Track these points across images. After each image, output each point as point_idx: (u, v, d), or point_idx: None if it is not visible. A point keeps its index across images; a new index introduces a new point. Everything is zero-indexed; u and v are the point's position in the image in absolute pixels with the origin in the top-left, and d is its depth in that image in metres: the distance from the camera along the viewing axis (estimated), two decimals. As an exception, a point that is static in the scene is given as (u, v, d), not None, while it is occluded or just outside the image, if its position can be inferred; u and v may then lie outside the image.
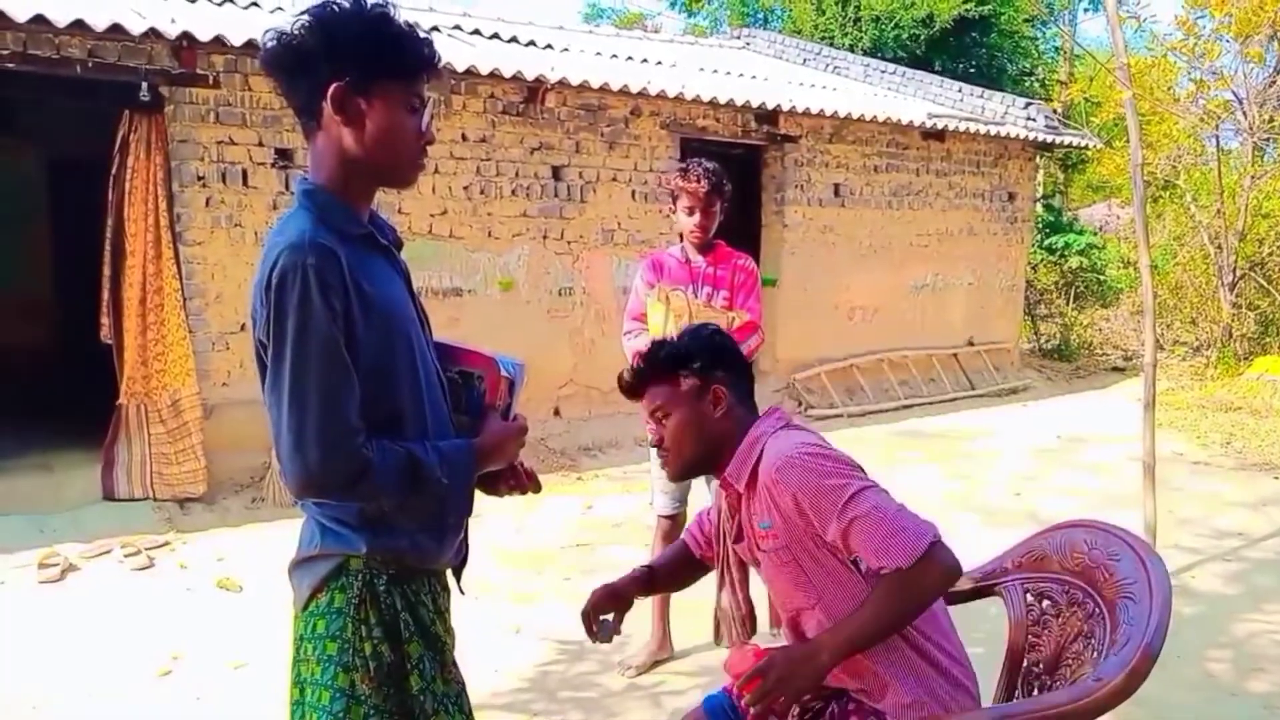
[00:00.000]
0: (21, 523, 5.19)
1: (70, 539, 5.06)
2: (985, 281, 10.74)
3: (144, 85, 5.45)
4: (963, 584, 1.93)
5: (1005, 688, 1.82)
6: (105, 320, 5.79)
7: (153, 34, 5.30)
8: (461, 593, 1.83)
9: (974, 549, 5.18)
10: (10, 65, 5.19)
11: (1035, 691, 1.73)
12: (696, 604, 4.25)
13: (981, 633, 3.75)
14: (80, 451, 5.85)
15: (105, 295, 5.80)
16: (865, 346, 9.53)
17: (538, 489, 1.86)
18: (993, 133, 10.13)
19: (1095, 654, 1.59)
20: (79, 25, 5.03)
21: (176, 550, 5.10)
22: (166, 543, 5.16)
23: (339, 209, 1.58)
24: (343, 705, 1.57)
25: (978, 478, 6.89)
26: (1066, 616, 1.73)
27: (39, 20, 4.93)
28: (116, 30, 5.15)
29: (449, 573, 1.82)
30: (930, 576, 1.68)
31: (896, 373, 9.66)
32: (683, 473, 2.00)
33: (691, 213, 3.59)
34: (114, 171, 5.77)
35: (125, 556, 4.91)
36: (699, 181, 3.57)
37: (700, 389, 1.94)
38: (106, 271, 5.80)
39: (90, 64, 5.38)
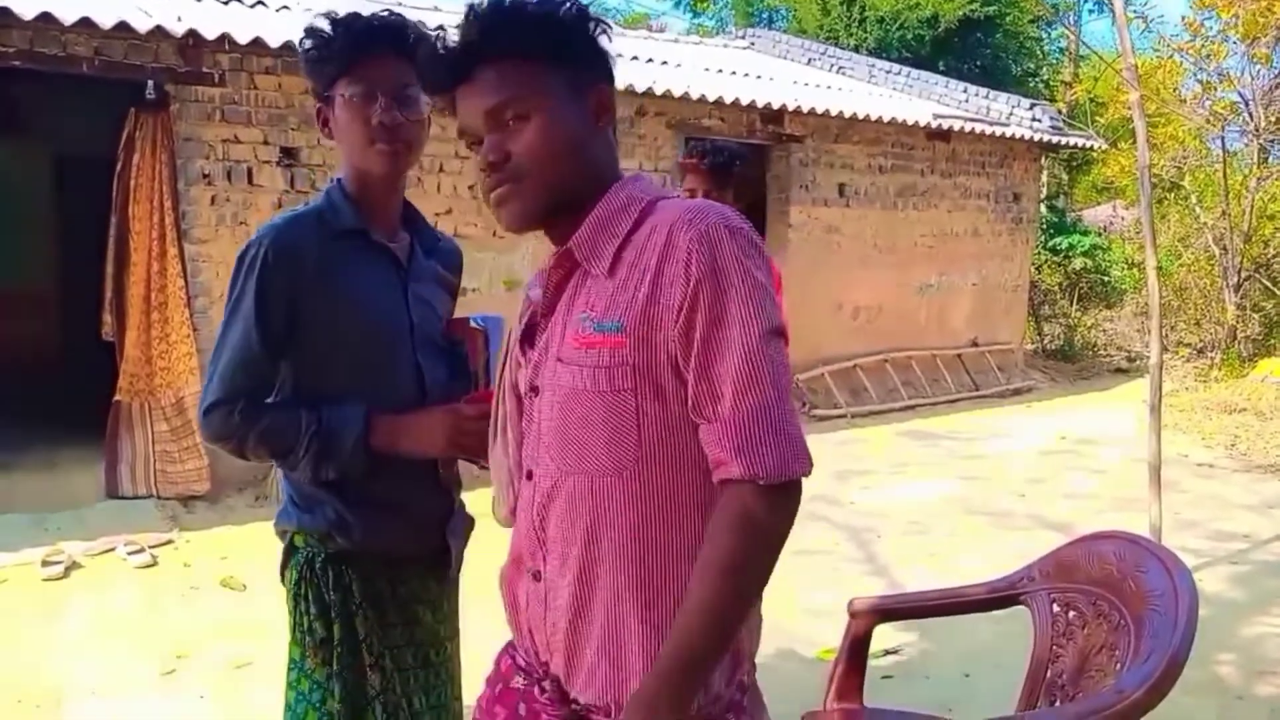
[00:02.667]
0: (25, 520, 5.17)
1: (74, 537, 5.04)
2: (990, 282, 10.72)
3: (150, 83, 5.43)
4: (990, 592, 1.91)
5: (1027, 697, 1.80)
6: (107, 318, 5.78)
7: (159, 32, 5.28)
8: (448, 579, 1.81)
9: (980, 551, 5.21)
10: (17, 63, 5.17)
11: (1057, 702, 1.72)
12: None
13: (1007, 642, 3.74)
14: (84, 449, 5.83)
15: (108, 293, 5.79)
16: (869, 347, 9.51)
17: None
18: (998, 133, 10.11)
19: (1119, 665, 1.57)
20: (85, 23, 5.01)
21: (180, 548, 5.09)
22: (170, 541, 5.15)
23: (340, 205, 1.68)
24: (294, 675, 1.70)
25: (982, 480, 6.87)
26: (1092, 628, 1.71)
27: (45, 18, 4.92)
28: (123, 28, 5.14)
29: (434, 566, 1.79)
30: (782, 522, 1.14)
31: (900, 373, 9.64)
32: (539, 210, 1.24)
33: (694, 196, 2.96)
34: (119, 169, 5.76)
35: (129, 554, 4.89)
36: (702, 157, 3.16)
37: (577, 84, 1.23)
38: (109, 269, 5.79)
39: (97, 62, 5.36)
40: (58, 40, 5.21)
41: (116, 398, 5.71)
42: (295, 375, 1.67)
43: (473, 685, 2.09)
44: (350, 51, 1.59)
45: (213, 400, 1.62)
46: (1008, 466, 7.26)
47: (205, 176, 5.84)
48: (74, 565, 4.73)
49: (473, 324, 1.75)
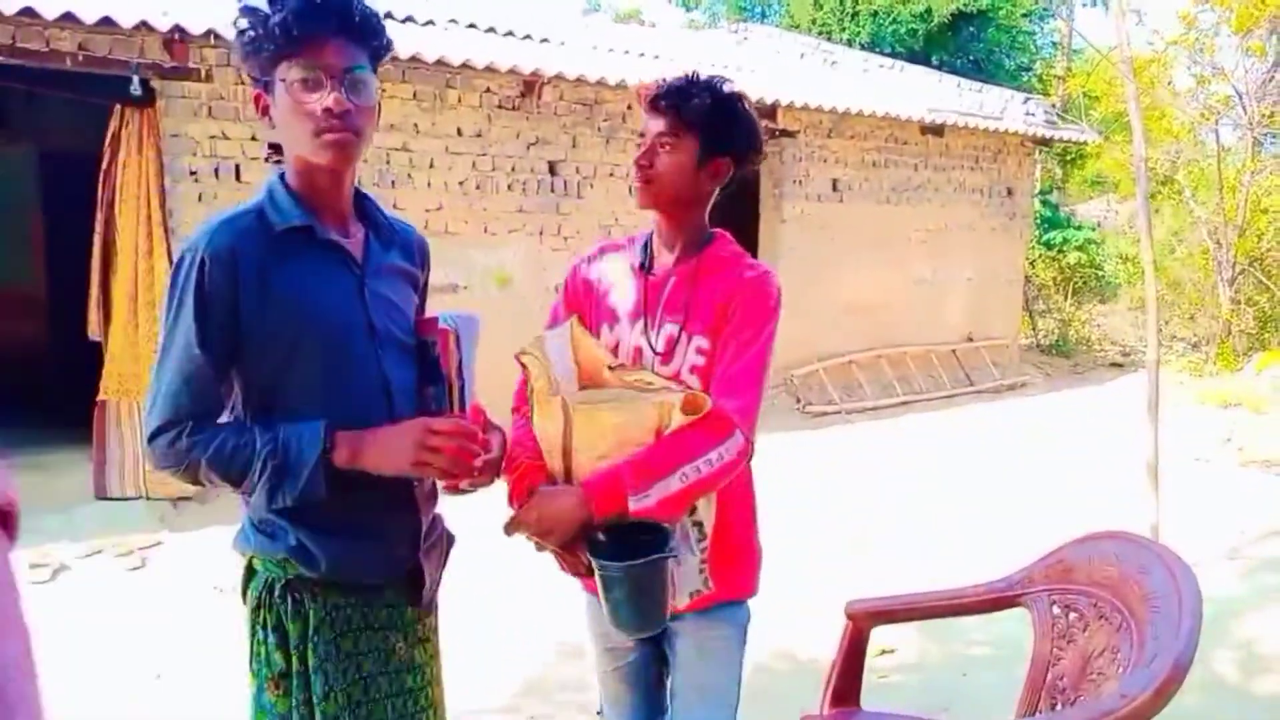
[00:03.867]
0: (12, 522, 5.11)
1: (62, 539, 4.98)
2: (984, 277, 10.69)
3: (135, 79, 5.36)
4: (990, 594, 1.87)
5: (1027, 701, 1.76)
6: (94, 316, 5.72)
7: (144, 27, 5.22)
8: (424, 610, 1.69)
9: (977, 548, 5.18)
10: (0, 59, 5.10)
11: (1058, 706, 1.68)
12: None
13: (1004, 641, 3.71)
14: (73, 450, 5.77)
15: (94, 291, 5.73)
16: (864, 343, 9.48)
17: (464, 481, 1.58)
18: (992, 128, 10.08)
19: (1120, 669, 1.53)
20: (68, 17, 4.95)
21: (170, 550, 5.03)
22: (159, 542, 5.10)
23: (282, 201, 1.55)
24: (253, 710, 1.60)
25: (978, 476, 6.84)
26: (1094, 630, 1.67)
27: (28, 12, 4.85)
28: (107, 23, 5.07)
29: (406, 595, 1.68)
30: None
31: (895, 369, 9.62)
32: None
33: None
34: (105, 167, 5.69)
35: (118, 556, 4.84)
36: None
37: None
38: (96, 267, 5.72)
39: (80, 57, 5.29)
40: (40, 35, 5.14)
41: (102, 397, 5.65)
42: (247, 390, 1.55)
43: (459, 706, 2.04)
44: (291, 32, 1.44)
45: (157, 425, 1.50)
46: (1004, 462, 7.24)
47: (192, 174, 5.78)
48: (62, 569, 4.68)
49: (443, 324, 1.64)
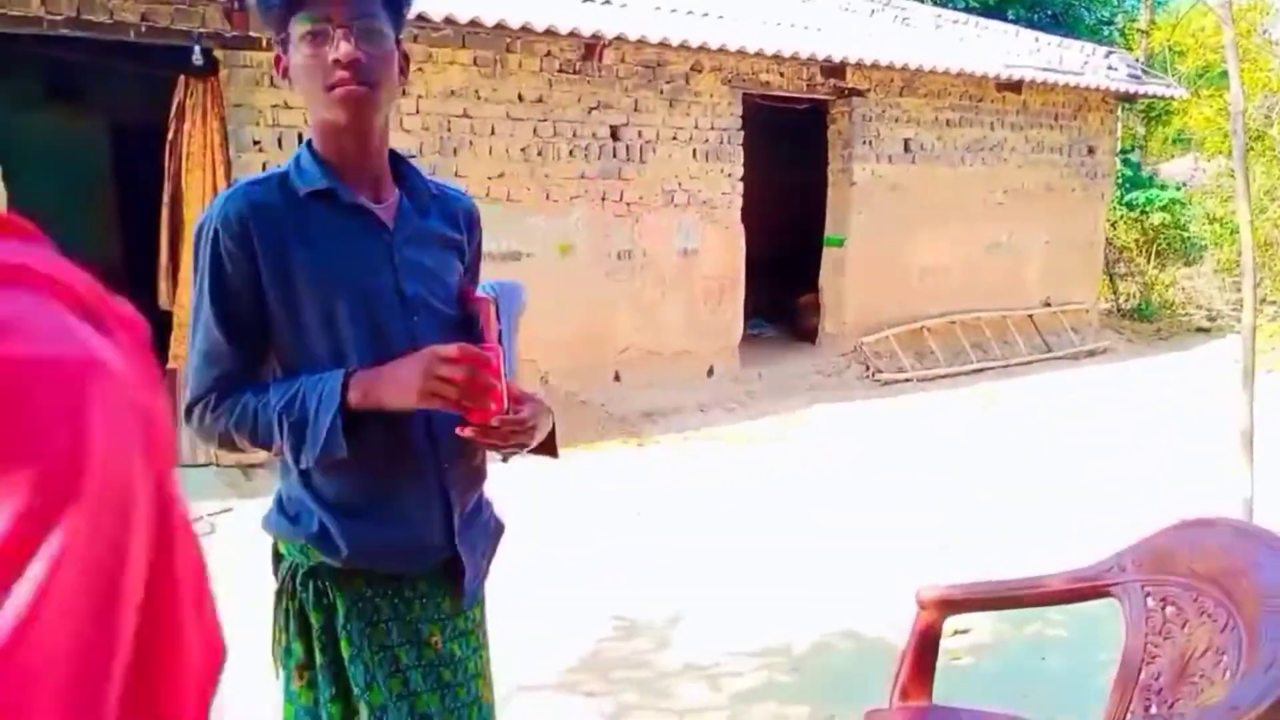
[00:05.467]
0: (87, 489, 5.22)
1: (134, 506, 5.07)
2: (1062, 240, 10.29)
3: (196, 49, 5.37)
4: (1075, 582, 1.73)
5: (1120, 700, 1.62)
6: (164, 286, 5.79)
7: (204, -5, 5.21)
8: (464, 606, 1.59)
9: (1056, 524, 4.98)
10: (65, 31, 5.14)
11: (1152, 708, 1.54)
12: (761, 583, 4.11)
13: (1087, 625, 3.53)
14: (144, 418, 5.87)
15: (164, 261, 5.79)
16: (937, 308, 9.20)
17: (496, 435, 1.45)
18: (1072, 83, 9.63)
19: (1227, 674, 1.39)
20: (130, -12, 4.96)
21: (239, 516, 5.09)
22: (230, 509, 5.15)
23: (306, 165, 1.48)
24: (284, 702, 1.57)
25: (1057, 447, 6.59)
26: (1194, 627, 1.52)
27: (91, -17, 4.87)
28: (168, -8, 5.07)
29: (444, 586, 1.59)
30: None
31: (969, 335, 9.32)
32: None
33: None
34: (171, 137, 5.74)
35: (188, 524, 4.91)
36: None
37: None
38: (165, 237, 5.78)
39: (143, 28, 5.31)
40: (104, 7, 5.16)
41: (171, 365, 5.72)
42: (279, 359, 1.50)
43: (511, 679, 1.96)
44: None
45: (188, 401, 1.47)
46: (1084, 432, 6.96)
47: (256, 143, 5.78)
48: (133, 534, 4.76)
49: (482, 292, 1.56)
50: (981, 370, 9.00)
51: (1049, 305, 10.22)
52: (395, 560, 1.53)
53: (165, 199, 5.76)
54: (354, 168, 1.49)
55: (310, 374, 1.45)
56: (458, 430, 1.42)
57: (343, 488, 1.49)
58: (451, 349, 1.39)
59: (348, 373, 1.42)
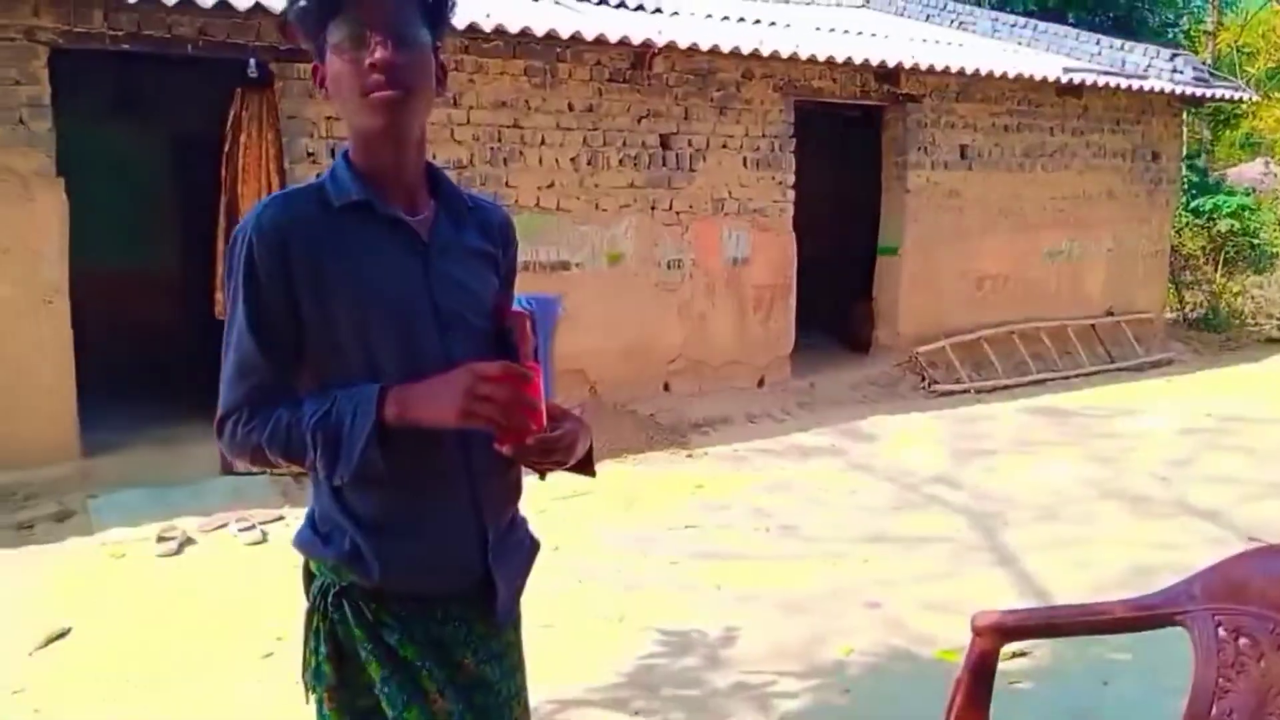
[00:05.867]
0: (145, 495, 5.31)
1: (189, 512, 5.14)
2: (1126, 247, 10.02)
3: (251, 61, 5.45)
4: (1141, 610, 1.63)
5: (1189, 740, 1.53)
6: (220, 296, 5.87)
7: (259, 9, 5.28)
8: (498, 628, 1.55)
9: (1118, 541, 4.81)
10: (126, 45, 5.26)
11: (1227, 748, 1.44)
12: (813, 600, 4.03)
13: (1152, 648, 3.39)
14: (203, 425, 5.90)
15: (220, 272, 5.87)
16: (995, 318, 9.00)
17: (533, 453, 1.40)
18: (1135, 87, 9.37)
19: (1311, 714, 1.29)
20: (187, 2, 5.04)
21: (291, 525, 5.12)
22: (280, 516, 5.19)
23: (341, 176, 1.46)
24: None
25: (1120, 461, 6.38)
26: (1271, 661, 1.42)
27: (150, 0, 4.96)
28: (224, 7, 5.15)
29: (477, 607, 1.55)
30: None
31: (1029, 346, 9.10)
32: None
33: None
34: (227, 149, 5.83)
35: (240, 530, 4.96)
36: None
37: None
38: (221, 247, 5.87)
39: (200, 42, 5.41)
40: (163, 22, 5.26)
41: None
42: (312, 373, 1.47)
43: (559, 695, 1.90)
44: None
45: (220, 414, 1.45)
46: (1147, 446, 6.74)
47: (309, 155, 5.85)
48: (188, 541, 4.82)
49: (518, 307, 1.52)
50: (1042, 381, 8.77)
51: (1112, 315, 9.95)
52: (428, 580, 1.49)
53: (221, 210, 5.86)
54: (390, 179, 1.47)
55: (344, 388, 1.42)
56: (495, 445, 1.38)
57: (376, 506, 1.46)
58: (493, 367, 1.35)
59: (383, 388, 1.39)
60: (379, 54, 1.35)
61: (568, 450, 1.43)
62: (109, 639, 3.75)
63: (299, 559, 1.55)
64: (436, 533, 1.48)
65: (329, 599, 1.48)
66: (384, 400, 1.38)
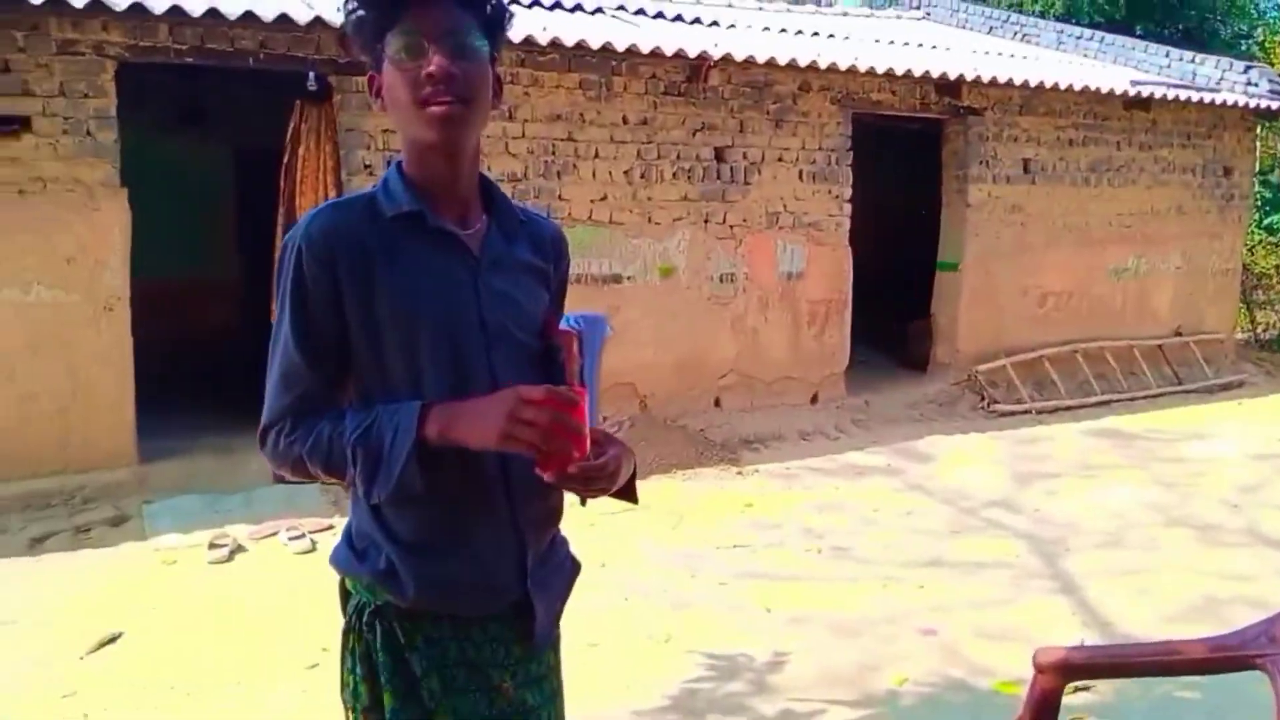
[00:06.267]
0: (199, 502, 5.37)
1: (241, 519, 5.19)
2: (1195, 265, 9.71)
3: (310, 75, 5.52)
4: (1216, 651, 1.52)
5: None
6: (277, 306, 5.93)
7: (319, 23, 5.34)
8: (536, 650, 1.51)
9: (1186, 571, 4.62)
10: (190, 59, 5.35)
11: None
12: (866, 625, 3.91)
13: (1222, 688, 3.23)
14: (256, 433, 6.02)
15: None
16: (1057, 336, 8.76)
17: (575, 481, 1.34)
18: (1206, 100, 9.09)
19: None
20: (249, 17, 5.12)
21: (339, 534, 5.14)
22: (330, 526, 5.22)
23: (394, 186, 1.44)
24: None
25: (1187, 486, 6.15)
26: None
27: (213, 14, 5.05)
28: (284, 21, 5.22)
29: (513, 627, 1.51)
30: None
31: (1093, 365, 8.84)
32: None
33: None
34: (286, 161, 5.90)
35: (290, 539, 4.99)
36: None
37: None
38: (278, 258, 5.93)
39: (262, 55, 5.48)
40: (225, 36, 5.35)
41: (283, 386, 5.85)
42: (356, 385, 1.46)
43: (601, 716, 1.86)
44: (392, 4, 1.35)
45: (262, 426, 1.44)
46: (1216, 472, 6.48)
47: (366, 167, 5.90)
48: (239, 549, 4.86)
49: (565, 325, 1.48)
50: (1106, 403, 8.51)
51: (1180, 335, 9.64)
52: (464, 601, 1.45)
53: (279, 220, 5.92)
54: (443, 191, 1.45)
55: (386, 403, 1.39)
56: (536, 471, 1.34)
57: (413, 524, 1.43)
58: (537, 390, 1.31)
59: (425, 405, 1.36)
60: (435, 65, 1.34)
61: (610, 478, 1.38)
62: (158, 645, 3.78)
63: (335, 554, 1.53)
64: (474, 553, 1.44)
65: (364, 618, 1.45)
66: (425, 418, 1.35)
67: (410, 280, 1.40)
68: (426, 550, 1.42)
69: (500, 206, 1.52)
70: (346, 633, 1.48)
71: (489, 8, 1.41)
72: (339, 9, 1.44)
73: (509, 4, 1.48)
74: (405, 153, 1.46)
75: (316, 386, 1.42)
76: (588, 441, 1.34)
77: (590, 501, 1.47)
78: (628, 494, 1.49)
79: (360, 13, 1.39)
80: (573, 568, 1.61)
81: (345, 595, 1.52)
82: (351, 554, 1.47)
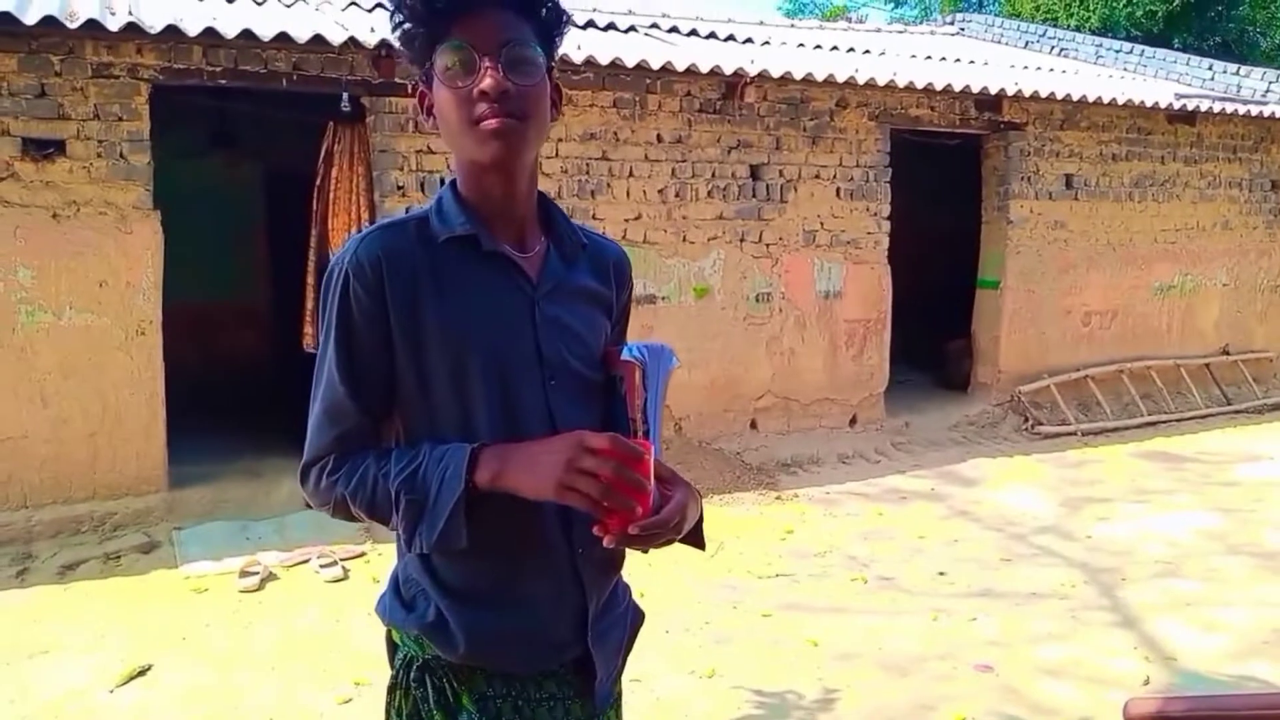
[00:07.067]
0: (229, 528, 5.29)
1: (272, 546, 5.10)
2: (1243, 282, 9.45)
3: (344, 95, 5.46)
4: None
5: None
6: (308, 330, 5.87)
7: (352, 44, 5.30)
8: (596, 710, 1.40)
9: (1251, 602, 4.40)
10: (223, 81, 5.32)
11: None
12: (919, 661, 3.73)
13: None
14: (287, 458, 5.93)
15: (309, 305, 5.88)
16: (1101, 355, 8.54)
17: (638, 541, 1.23)
18: (1254, 113, 8.87)
19: None
20: (283, 38, 5.07)
21: (371, 562, 5.04)
22: (363, 554, 5.12)
23: (448, 208, 1.35)
24: None
25: (1244, 512, 5.92)
26: None
27: (247, 35, 5.01)
28: (318, 42, 5.17)
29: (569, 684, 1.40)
30: None
31: (1138, 385, 8.60)
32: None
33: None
34: (319, 183, 5.85)
35: (322, 566, 4.89)
36: None
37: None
38: (310, 281, 5.88)
39: (295, 77, 5.44)
40: (259, 58, 5.31)
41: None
42: (401, 420, 1.35)
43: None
44: (436, 5, 1.25)
45: (303, 463, 1.36)
46: (1273, 496, 6.25)
47: (399, 188, 5.83)
48: (270, 577, 4.76)
49: (627, 355, 1.36)
50: (1152, 424, 8.26)
51: (1227, 354, 9.37)
52: (518, 659, 1.34)
53: (311, 243, 5.87)
54: (499, 212, 1.35)
55: (434, 441, 1.29)
56: (595, 531, 1.21)
57: (465, 572, 1.32)
58: (601, 439, 1.20)
59: (475, 449, 1.25)
60: (489, 80, 1.24)
61: (675, 530, 1.26)
62: (188, 677, 3.69)
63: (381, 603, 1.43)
64: (531, 606, 1.33)
65: (411, 673, 1.35)
66: (476, 462, 1.24)
67: (462, 308, 1.30)
68: (479, 601, 1.32)
69: (560, 228, 1.42)
70: (392, 688, 1.39)
71: (544, 11, 1.31)
72: (392, 22, 1.34)
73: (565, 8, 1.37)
74: (459, 172, 1.37)
75: (362, 423, 1.33)
76: (651, 497, 1.21)
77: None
78: (694, 538, 1.38)
79: (407, 26, 1.30)
80: (635, 619, 1.49)
81: (392, 647, 1.42)
82: (398, 603, 1.37)
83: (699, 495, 1.36)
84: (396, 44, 1.34)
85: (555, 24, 1.34)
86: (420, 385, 1.31)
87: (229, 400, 7.14)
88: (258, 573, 4.74)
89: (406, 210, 1.43)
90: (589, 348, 1.39)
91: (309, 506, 4.99)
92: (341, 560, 4.95)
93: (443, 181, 5.89)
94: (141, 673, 3.72)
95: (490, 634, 1.31)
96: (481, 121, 1.25)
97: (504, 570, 1.32)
